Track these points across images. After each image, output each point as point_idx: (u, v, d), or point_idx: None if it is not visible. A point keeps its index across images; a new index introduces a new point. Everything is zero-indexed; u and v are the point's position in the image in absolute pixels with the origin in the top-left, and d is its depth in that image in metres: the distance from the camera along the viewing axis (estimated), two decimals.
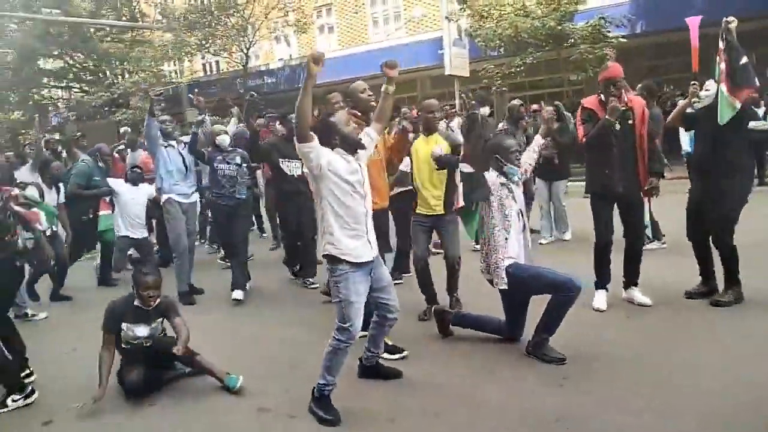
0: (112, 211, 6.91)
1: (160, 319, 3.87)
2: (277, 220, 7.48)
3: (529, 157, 4.27)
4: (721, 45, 4.47)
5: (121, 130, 10.71)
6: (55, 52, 22.99)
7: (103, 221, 6.89)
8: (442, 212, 4.64)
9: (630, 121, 4.50)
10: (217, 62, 23.60)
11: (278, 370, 4.02)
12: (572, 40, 13.98)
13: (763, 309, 4.40)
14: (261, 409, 3.48)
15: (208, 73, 24.62)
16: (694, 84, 4.82)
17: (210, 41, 19.59)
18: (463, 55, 17.07)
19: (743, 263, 4.55)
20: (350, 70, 19.54)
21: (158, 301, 3.80)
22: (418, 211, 4.76)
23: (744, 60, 4.39)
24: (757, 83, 4.45)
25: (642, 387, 3.34)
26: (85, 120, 23.62)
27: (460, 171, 4.04)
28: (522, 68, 14.89)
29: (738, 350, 3.74)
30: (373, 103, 4.15)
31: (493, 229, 3.84)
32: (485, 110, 6.86)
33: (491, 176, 3.90)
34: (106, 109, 22.09)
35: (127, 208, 6.69)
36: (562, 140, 6.40)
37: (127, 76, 20.59)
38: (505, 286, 3.81)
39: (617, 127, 4.44)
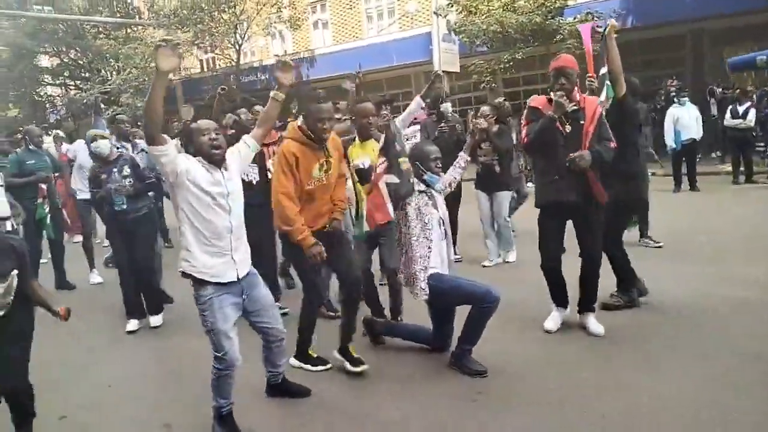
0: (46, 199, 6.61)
1: None
2: None
3: (454, 172, 4.13)
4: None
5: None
6: (50, 50, 23.04)
7: (39, 210, 6.50)
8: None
9: (581, 122, 4.00)
10: (213, 59, 23.55)
11: (190, 385, 3.84)
12: (561, 36, 13.76)
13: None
14: (166, 425, 3.38)
15: (205, 70, 24.58)
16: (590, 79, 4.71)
17: (201, 38, 19.49)
18: (452, 50, 16.91)
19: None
20: (344, 65, 19.46)
21: None
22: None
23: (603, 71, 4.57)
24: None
25: (550, 410, 3.20)
26: (81, 117, 23.67)
27: (386, 183, 3.92)
28: (511, 64, 14.75)
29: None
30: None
31: (410, 239, 3.70)
32: (446, 106, 6.66)
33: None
34: (104, 106, 22.11)
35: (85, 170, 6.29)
36: (501, 145, 6.08)
37: (117, 73, 20.51)
38: (425, 298, 3.68)
39: (567, 128, 3.98)
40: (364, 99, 4.58)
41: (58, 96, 26.46)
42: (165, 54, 2.63)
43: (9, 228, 5.75)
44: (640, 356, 3.75)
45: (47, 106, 26.21)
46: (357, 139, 4.46)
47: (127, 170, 5.06)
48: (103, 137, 5.14)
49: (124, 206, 5.00)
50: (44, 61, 26.05)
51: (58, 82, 25.85)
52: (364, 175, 4.19)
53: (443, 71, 13.50)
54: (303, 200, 3.58)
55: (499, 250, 6.44)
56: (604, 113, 4.13)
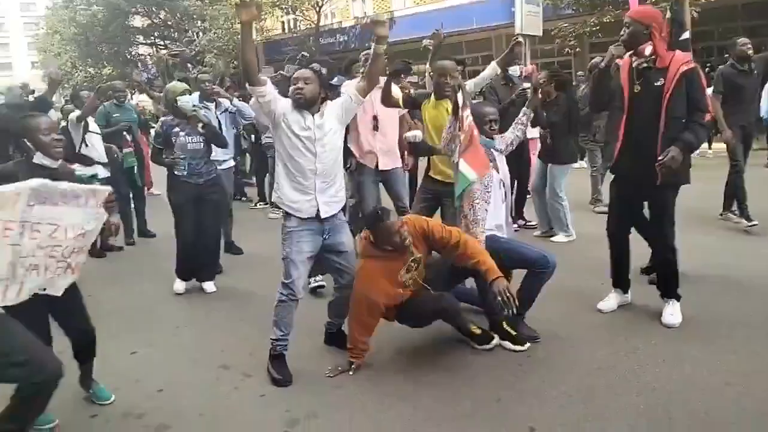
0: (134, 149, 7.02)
1: None
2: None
3: (515, 129, 3.99)
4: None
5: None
6: (141, 10, 23.99)
7: (128, 159, 6.84)
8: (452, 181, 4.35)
9: (656, 83, 3.47)
10: (294, 20, 23.77)
11: (248, 333, 3.98)
12: None
13: None
14: (223, 365, 3.54)
15: (285, 31, 24.86)
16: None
17: None
18: (536, 13, 16.17)
19: None
20: (424, 27, 19.14)
21: None
22: (427, 176, 4.50)
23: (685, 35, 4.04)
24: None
25: (598, 375, 3.11)
26: (172, 76, 24.61)
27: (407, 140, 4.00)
28: (598, 27, 14.00)
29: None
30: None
31: (473, 201, 3.60)
32: (515, 69, 6.37)
33: None
34: (190, 66, 22.90)
35: None
36: (541, 118, 5.68)
37: (203, 34, 21.14)
38: None
39: (636, 88, 3.54)
40: (444, 57, 4.51)
41: (149, 55, 27.63)
42: (244, 6, 2.95)
43: (107, 174, 6.13)
44: (705, 331, 3.57)
45: (138, 65, 27.47)
46: (432, 96, 4.37)
47: (200, 129, 4.71)
48: (189, 92, 5.03)
49: (185, 172, 4.71)
50: (137, 22, 27.21)
51: (149, 41, 26.97)
52: (418, 149, 4.12)
53: (524, 34, 12.79)
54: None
55: (547, 224, 6.12)
56: (699, 77, 3.54)
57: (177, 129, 4.70)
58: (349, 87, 3.42)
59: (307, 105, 3.18)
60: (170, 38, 24.82)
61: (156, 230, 7.10)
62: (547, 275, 3.45)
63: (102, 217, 2.68)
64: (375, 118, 4.82)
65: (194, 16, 22.15)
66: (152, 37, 26.41)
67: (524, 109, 4.04)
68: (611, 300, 4.02)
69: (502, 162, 3.80)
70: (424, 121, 4.48)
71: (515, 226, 6.03)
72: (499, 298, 3.09)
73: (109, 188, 2.74)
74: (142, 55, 27.94)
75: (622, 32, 3.57)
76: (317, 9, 20.31)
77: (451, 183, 3.96)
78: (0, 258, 2.35)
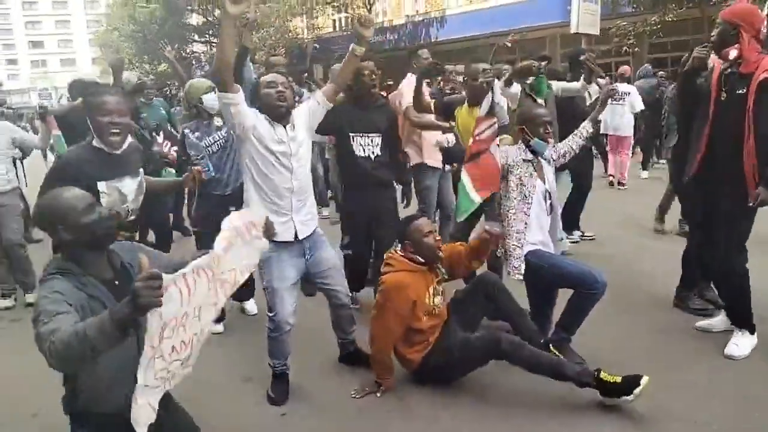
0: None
1: None
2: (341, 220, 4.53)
3: (572, 141, 3.63)
4: None
5: None
6: (197, 8, 24.40)
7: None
8: None
9: (740, 91, 3.08)
10: (345, 19, 23.73)
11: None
12: None
13: None
14: (246, 377, 3.42)
15: (336, 29, 24.87)
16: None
17: None
18: (594, 11, 15.57)
19: None
20: (475, 26, 18.83)
21: None
22: None
23: None
24: None
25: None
26: None
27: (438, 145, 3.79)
28: (659, 26, 13.38)
29: None
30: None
31: (507, 212, 3.34)
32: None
33: (512, 151, 3.40)
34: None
35: None
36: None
37: (255, 32, 21.32)
38: (519, 277, 3.31)
39: (722, 95, 3.17)
40: (477, 59, 4.23)
41: (203, 53, 28.12)
42: None
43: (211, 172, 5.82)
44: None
45: (193, 62, 28.00)
46: (466, 102, 4.14)
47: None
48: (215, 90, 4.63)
49: (212, 173, 3.92)
50: (192, 19, 27.74)
51: (203, 39, 27.41)
52: (449, 154, 3.86)
53: (580, 33, 12.18)
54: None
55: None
56: None
57: (187, 131, 4.00)
58: (317, 92, 3.20)
59: (287, 114, 2.92)
60: None
61: None
62: (596, 296, 3.12)
63: (265, 246, 2.25)
64: None
65: (253, 20, 22.38)
66: (207, 35, 26.81)
67: (586, 123, 3.67)
68: (718, 321, 3.62)
69: (549, 172, 3.50)
70: (457, 127, 4.22)
71: (574, 238, 5.71)
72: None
73: (264, 213, 2.34)
74: (196, 52, 28.45)
75: (712, 32, 3.23)
76: (368, 7, 20.19)
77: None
78: (206, 323, 1.96)
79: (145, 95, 6.75)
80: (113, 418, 1.95)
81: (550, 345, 3.24)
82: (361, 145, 3.83)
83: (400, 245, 3.15)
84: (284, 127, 2.92)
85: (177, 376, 1.95)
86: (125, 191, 2.88)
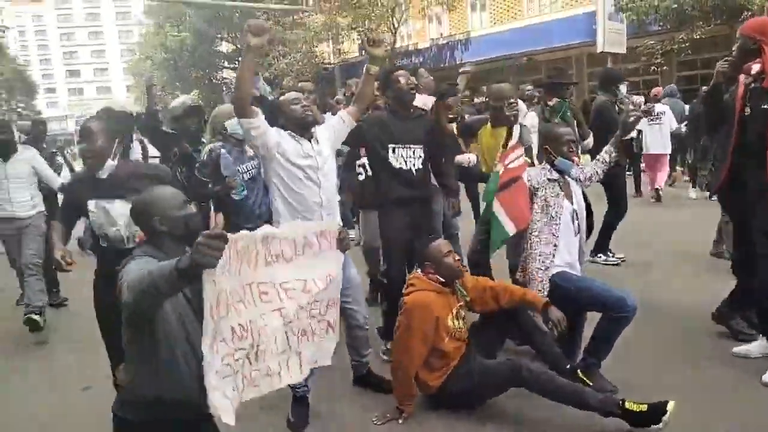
0: None
1: None
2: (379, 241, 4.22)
3: (596, 166, 3.55)
4: None
5: None
6: (226, 36, 24.99)
7: None
8: None
9: (764, 106, 3.13)
10: None
11: None
12: (750, 12, 11.95)
13: None
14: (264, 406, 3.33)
15: (362, 54, 25.17)
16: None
17: (360, 22, 19.87)
18: (619, 30, 15.47)
19: None
20: (500, 48, 18.84)
21: None
22: None
23: None
24: None
25: None
26: (253, 102, 25.49)
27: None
28: (687, 44, 13.18)
29: None
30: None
31: (531, 234, 3.27)
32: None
33: (534, 171, 3.34)
34: (269, 88, 23.60)
35: None
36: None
37: (283, 57, 21.69)
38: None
39: (747, 110, 3.18)
40: (500, 79, 4.20)
41: (233, 79, 28.75)
42: (255, 32, 2.60)
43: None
44: None
45: (223, 88, 28.60)
46: (489, 123, 4.07)
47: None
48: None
49: (245, 192, 3.80)
50: (222, 47, 28.45)
51: (233, 66, 28.04)
52: (469, 174, 3.81)
53: (607, 52, 12.12)
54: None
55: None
56: None
57: (223, 151, 3.84)
58: (341, 111, 3.25)
59: (313, 124, 3.00)
60: None
61: None
62: (627, 320, 3.02)
63: (341, 258, 2.37)
64: None
65: (275, 42, 22.83)
66: (236, 62, 27.43)
67: (608, 147, 3.57)
68: (756, 347, 3.48)
69: (577, 192, 3.43)
70: (480, 148, 4.15)
71: (599, 260, 5.58)
72: (555, 330, 2.90)
73: (338, 222, 2.45)
74: (227, 78, 29.09)
75: (734, 47, 3.22)
76: (393, 31, 20.38)
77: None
78: (271, 327, 2.12)
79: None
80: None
81: (579, 371, 3.14)
82: (402, 157, 3.59)
83: (419, 269, 3.10)
84: (309, 141, 2.98)
85: (247, 381, 2.05)
86: (113, 213, 2.90)
